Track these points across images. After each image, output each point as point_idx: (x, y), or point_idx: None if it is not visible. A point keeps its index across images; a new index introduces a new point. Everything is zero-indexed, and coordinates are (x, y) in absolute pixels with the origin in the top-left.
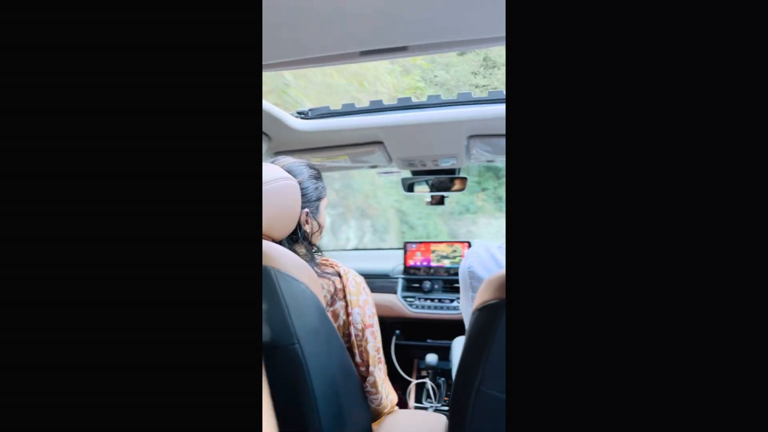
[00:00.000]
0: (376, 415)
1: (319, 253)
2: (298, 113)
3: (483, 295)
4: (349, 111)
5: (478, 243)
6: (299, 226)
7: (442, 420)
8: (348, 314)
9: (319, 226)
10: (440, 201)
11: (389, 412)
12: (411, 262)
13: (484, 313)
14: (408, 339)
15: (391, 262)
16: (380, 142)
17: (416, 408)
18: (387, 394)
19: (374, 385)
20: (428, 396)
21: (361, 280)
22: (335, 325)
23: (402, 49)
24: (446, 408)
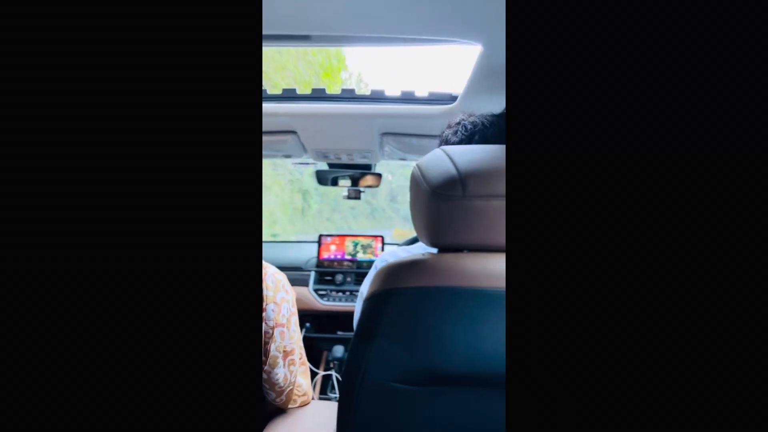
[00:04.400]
0: (278, 408)
1: None
2: None
3: (373, 285)
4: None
5: (388, 249)
6: None
7: (335, 408)
8: (262, 310)
9: None
10: (357, 195)
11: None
12: (325, 255)
13: (373, 301)
14: (319, 331)
15: (305, 255)
16: (293, 132)
17: (320, 399)
18: (293, 397)
19: (268, 381)
20: (332, 388)
21: (282, 277)
22: None
23: (305, 38)
24: None
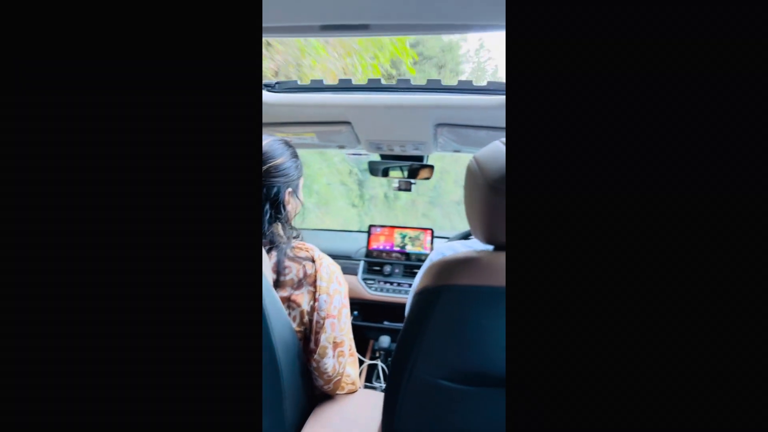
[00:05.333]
0: (326, 394)
1: (296, 237)
2: (265, 85)
3: (424, 280)
4: (317, 87)
5: (444, 243)
6: (283, 206)
7: (380, 398)
8: (315, 300)
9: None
10: (408, 187)
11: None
12: (374, 246)
13: (423, 296)
14: (366, 320)
15: (355, 245)
16: (348, 123)
17: (365, 388)
18: (342, 385)
19: (317, 370)
20: (377, 377)
21: (337, 269)
22: (298, 311)
23: (363, 28)
24: None
